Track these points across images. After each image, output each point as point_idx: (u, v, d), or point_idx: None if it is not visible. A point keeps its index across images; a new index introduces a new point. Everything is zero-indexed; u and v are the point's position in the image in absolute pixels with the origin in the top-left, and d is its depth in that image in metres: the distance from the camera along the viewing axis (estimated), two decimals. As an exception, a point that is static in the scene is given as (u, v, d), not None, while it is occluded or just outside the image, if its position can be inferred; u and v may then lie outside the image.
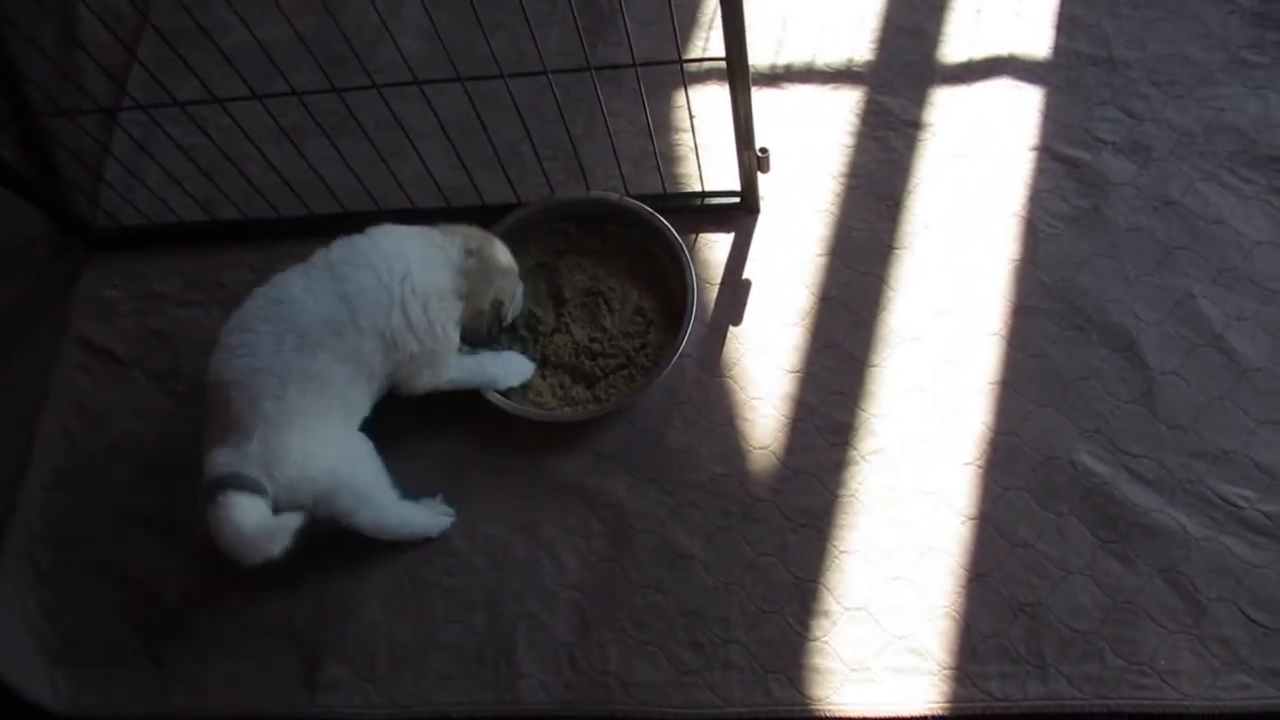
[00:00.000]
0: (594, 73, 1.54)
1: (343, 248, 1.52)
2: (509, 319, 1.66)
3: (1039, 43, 1.89)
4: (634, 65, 1.51)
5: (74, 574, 1.68)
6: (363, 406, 1.54)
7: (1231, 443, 1.51)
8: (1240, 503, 1.47)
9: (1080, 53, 1.86)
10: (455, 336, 1.56)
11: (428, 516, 1.60)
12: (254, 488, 1.38)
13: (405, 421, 1.69)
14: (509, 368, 1.65)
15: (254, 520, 1.36)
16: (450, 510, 1.62)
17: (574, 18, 1.46)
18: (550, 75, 1.55)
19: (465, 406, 1.65)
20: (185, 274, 1.91)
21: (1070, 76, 1.84)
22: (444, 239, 1.55)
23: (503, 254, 1.61)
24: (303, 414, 1.43)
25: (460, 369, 1.60)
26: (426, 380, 1.57)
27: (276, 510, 1.40)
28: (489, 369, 1.62)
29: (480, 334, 1.61)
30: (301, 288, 1.48)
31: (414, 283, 1.49)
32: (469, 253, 1.54)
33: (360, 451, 1.53)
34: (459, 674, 1.52)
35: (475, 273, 1.54)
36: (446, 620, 1.56)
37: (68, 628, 1.64)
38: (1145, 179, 1.73)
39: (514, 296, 1.65)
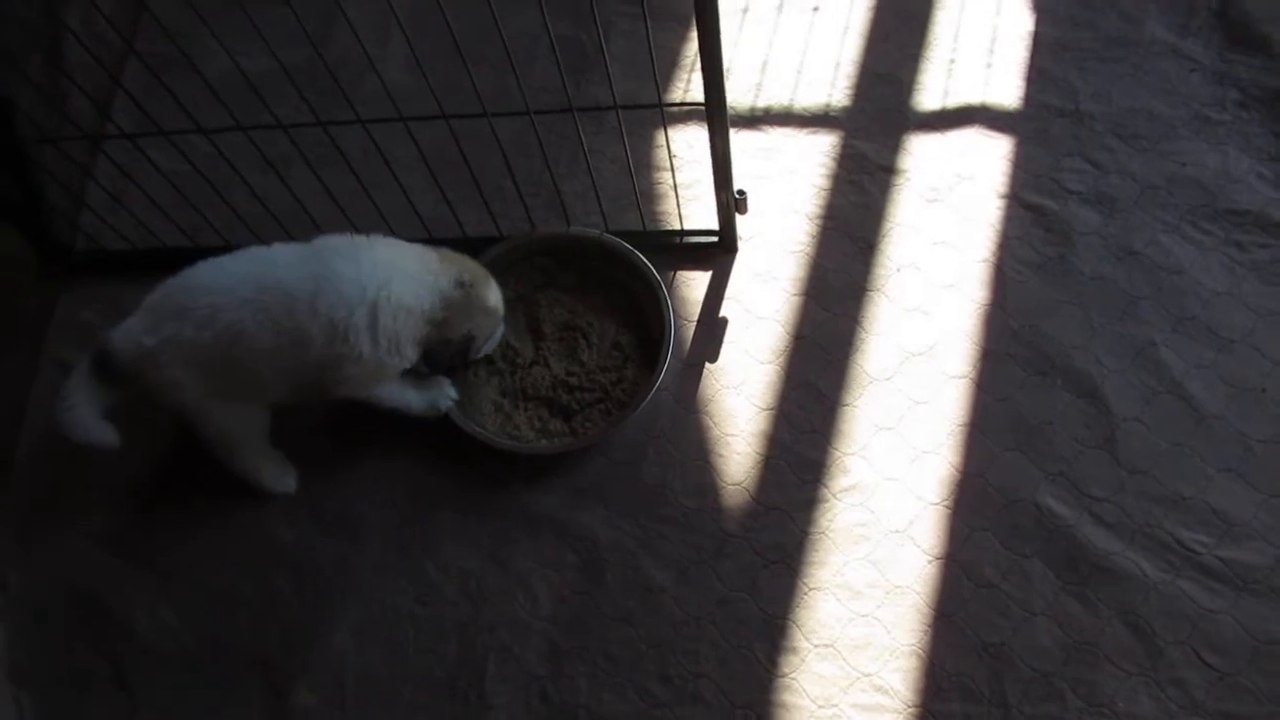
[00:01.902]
0: (576, 113, 1.57)
1: (342, 239, 1.56)
2: (476, 356, 1.67)
3: (1009, 93, 1.95)
4: (615, 108, 1.55)
5: (43, 597, 1.67)
6: (276, 389, 1.56)
7: (1190, 488, 1.55)
8: (1197, 548, 1.51)
9: (1049, 104, 1.92)
10: (412, 356, 1.57)
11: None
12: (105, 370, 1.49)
13: (379, 450, 1.71)
14: (427, 396, 1.64)
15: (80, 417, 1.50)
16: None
17: (556, 59, 1.50)
18: (534, 115, 1.58)
19: (441, 437, 1.67)
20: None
21: (1039, 127, 1.90)
22: (440, 265, 1.56)
23: (494, 295, 1.62)
24: (210, 359, 1.48)
25: (388, 390, 1.61)
26: (355, 388, 1.58)
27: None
28: (409, 394, 1.63)
29: (442, 363, 1.62)
30: (285, 256, 1.53)
31: (392, 292, 1.50)
32: (460, 284, 1.56)
33: (244, 419, 1.59)
34: (429, 704, 1.52)
35: (458, 304, 1.55)
36: (417, 650, 1.56)
37: (35, 651, 1.63)
38: (1110, 229, 1.78)
39: (489, 336, 1.66)
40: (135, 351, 1.49)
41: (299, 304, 1.47)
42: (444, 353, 1.59)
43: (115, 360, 1.51)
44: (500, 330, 1.68)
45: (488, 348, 1.68)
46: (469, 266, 1.60)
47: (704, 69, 1.45)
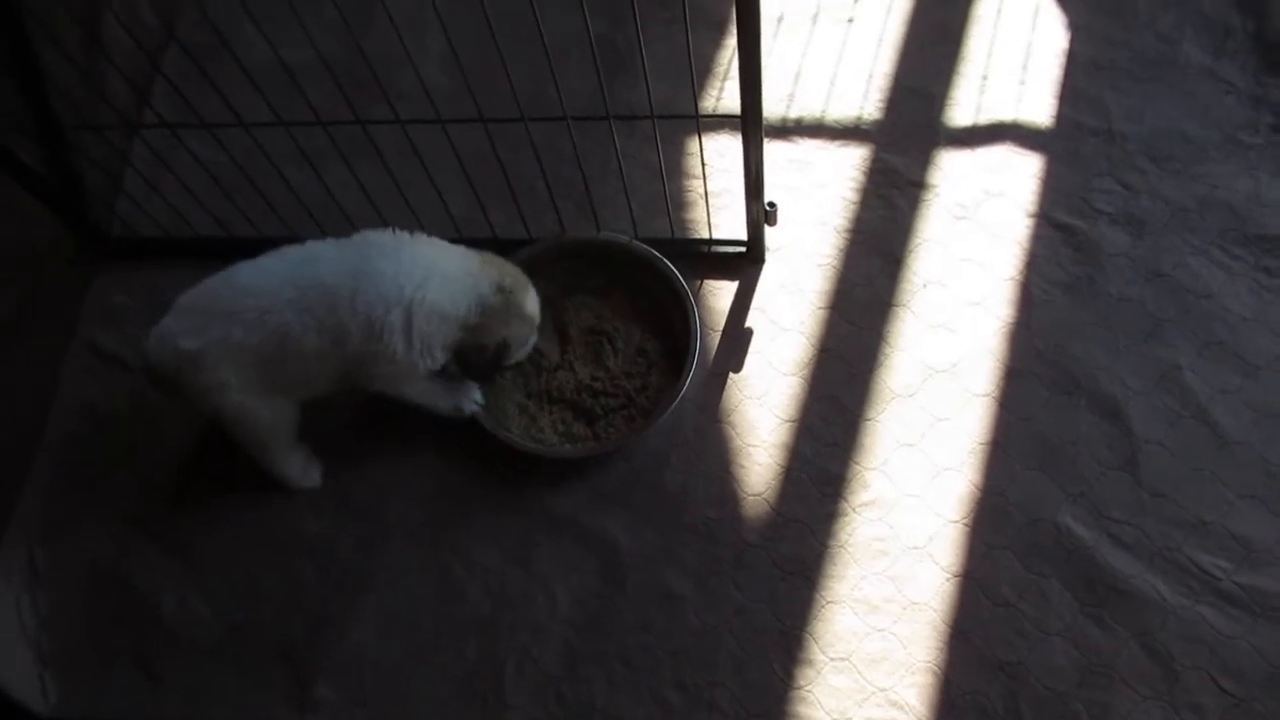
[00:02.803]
0: (612, 121, 1.58)
1: (384, 235, 1.56)
2: (509, 362, 1.68)
3: (1041, 111, 1.95)
4: (652, 117, 1.56)
5: (71, 578, 1.70)
6: (316, 384, 1.58)
7: (1211, 513, 1.56)
8: (1217, 573, 1.51)
9: (1081, 123, 1.92)
10: (441, 359, 1.58)
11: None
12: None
13: (406, 446, 1.73)
14: (453, 398, 1.66)
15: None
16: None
17: (596, 64, 1.51)
18: (570, 121, 1.59)
19: (467, 437, 1.69)
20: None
21: (1070, 146, 1.90)
22: (480, 268, 1.57)
23: (532, 302, 1.63)
24: (257, 360, 1.50)
25: (416, 389, 1.62)
26: (387, 385, 1.60)
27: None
28: (437, 393, 1.65)
29: (475, 368, 1.64)
30: (326, 253, 1.54)
31: (428, 294, 1.51)
32: (500, 289, 1.56)
33: (278, 415, 1.60)
34: (447, 700, 1.54)
35: (496, 310, 1.56)
36: (437, 647, 1.58)
37: (61, 631, 1.66)
38: (1139, 251, 1.79)
39: (524, 344, 1.67)
40: (174, 355, 1.50)
41: (340, 300, 1.48)
42: (479, 358, 1.61)
43: (151, 364, 1.52)
44: (534, 338, 1.69)
45: (521, 354, 1.69)
46: (509, 271, 1.60)
47: (742, 86, 1.46)
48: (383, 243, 1.54)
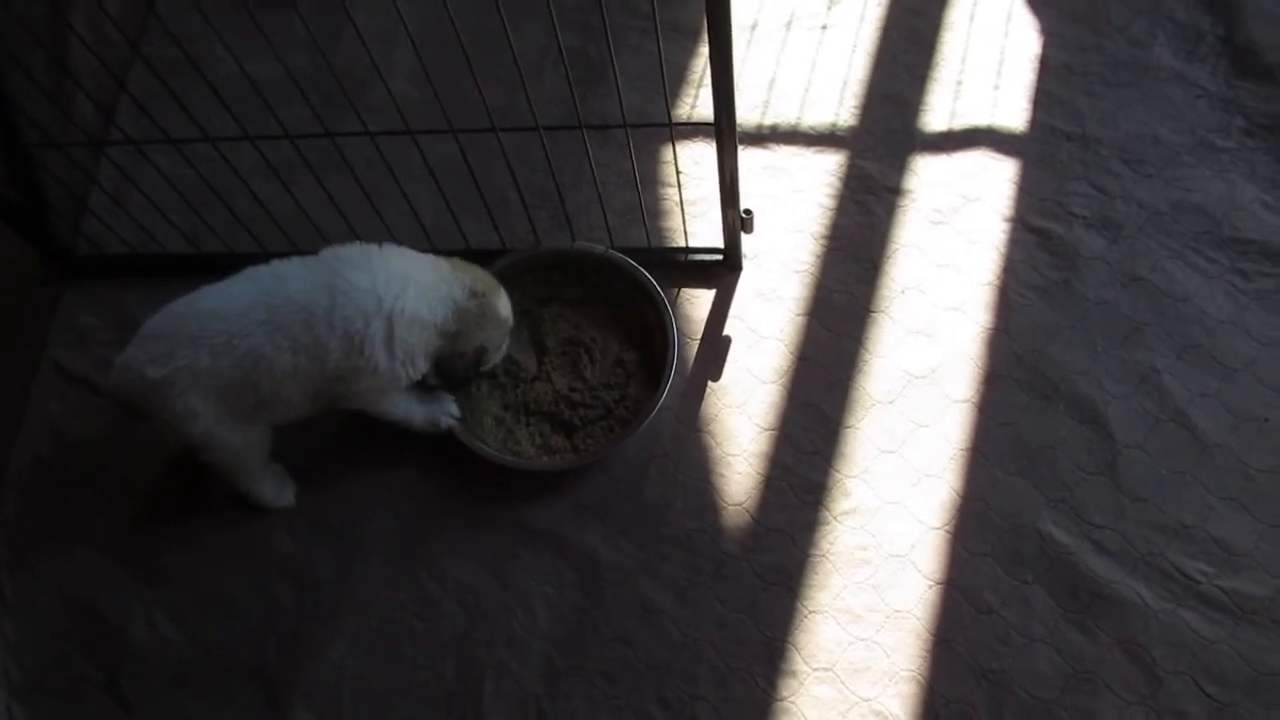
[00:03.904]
0: (584, 130, 1.57)
1: (352, 249, 1.54)
2: (487, 367, 1.67)
3: (1016, 116, 1.95)
4: (625, 126, 1.55)
5: (40, 604, 1.66)
6: (290, 407, 1.54)
7: (1191, 517, 1.55)
8: (1198, 577, 1.51)
9: (1055, 128, 1.92)
10: (423, 368, 1.56)
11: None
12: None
13: (381, 461, 1.70)
14: (429, 412, 1.64)
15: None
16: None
17: (566, 73, 1.49)
18: (542, 130, 1.58)
19: (444, 451, 1.66)
20: (166, 303, 1.89)
21: (1045, 150, 1.90)
22: (453, 274, 1.55)
23: (504, 305, 1.61)
24: (228, 387, 1.47)
25: (393, 404, 1.60)
26: (367, 401, 1.57)
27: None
28: (414, 408, 1.63)
29: (455, 375, 1.62)
30: (293, 271, 1.51)
31: (406, 303, 1.49)
32: (473, 294, 1.55)
33: (249, 440, 1.57)
34: (425, 720, 1.52)
35: (471, 315, 1.55)
36: (415, 665, 1.56)
37: (30, 659, 1.62)
38: (1115, 254, 1.79)
39: (499, 348, 1.66)
40: (140, 383, 1.47)
41: (316, 317, 1.46)
42: (457, 365, 1.59)
43: (115, 394, 1.50)
44: (507, 341, 1.68)
45: (496, 358, 1.67)
46: (480, 276, 1.59)
47: (715, 93, 1.45)
48: (352, 256, 1.52)
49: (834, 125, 1.97)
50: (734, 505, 1.63)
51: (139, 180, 1.81)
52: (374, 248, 1.54)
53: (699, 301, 1.81)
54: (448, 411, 1.64)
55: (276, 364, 1.47)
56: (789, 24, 2.10)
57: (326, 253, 1.54)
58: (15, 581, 1.68)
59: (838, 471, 1.64)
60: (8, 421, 1.82)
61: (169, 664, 1.59)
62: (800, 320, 1.78)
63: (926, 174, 1.90)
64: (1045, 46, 2.02)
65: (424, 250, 1.77)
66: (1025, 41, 2.03)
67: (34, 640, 1.63)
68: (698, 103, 2.02)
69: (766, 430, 1.68)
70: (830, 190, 1.90)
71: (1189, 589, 1.50)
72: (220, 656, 1.59)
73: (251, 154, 1.68)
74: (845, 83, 2.02)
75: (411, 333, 1.50)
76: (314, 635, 1.59)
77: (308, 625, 1.60)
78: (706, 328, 1.78)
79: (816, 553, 1.58)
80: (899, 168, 1.91)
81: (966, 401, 1.68)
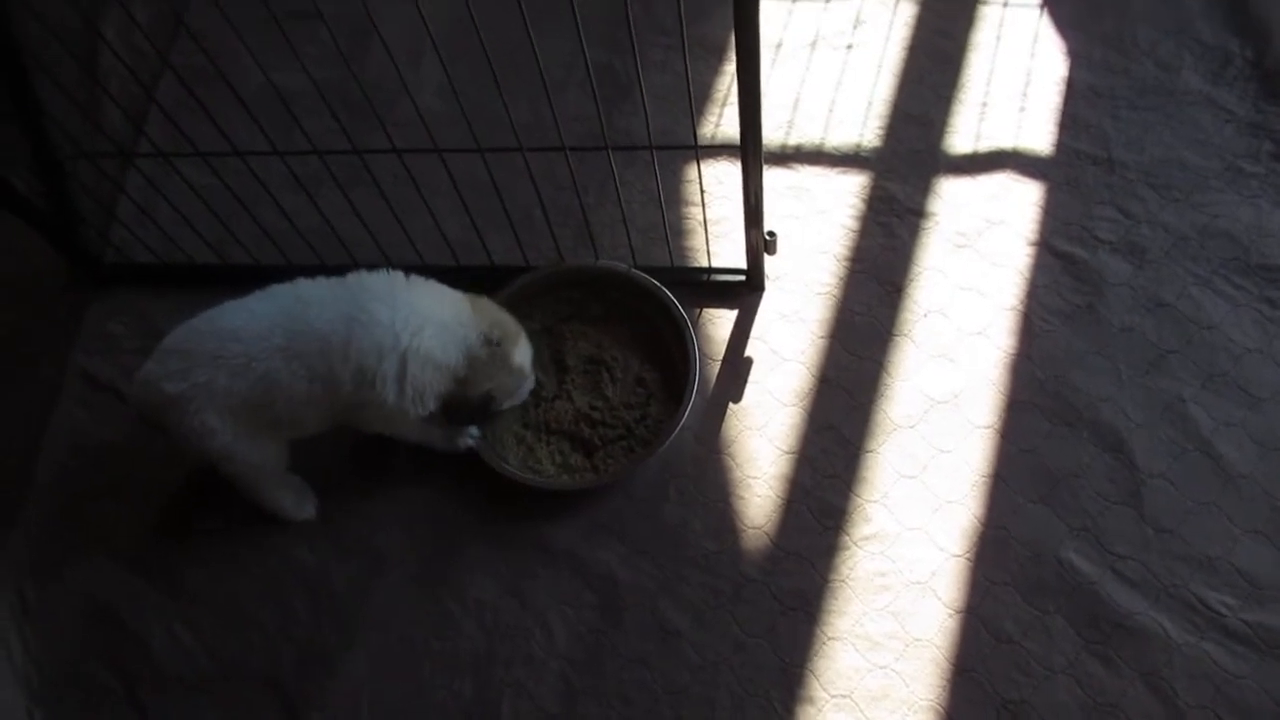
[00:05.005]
0: (610, 151, 1.57)
1: (378, 278, 1.53)
2: (498, 409, 1.65)
3: (1041, 139, 1.94)
4: (650, 148, 1.55)
5: (61, 612, 1.67)
6: (305, 426, 1.55)
7: (1216, 549, 1.54)
8: (1222, 610, 1.49)
9: (1081, 151, 1.91)
10: (431, 407, 1.55)
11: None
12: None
13: (401, 477, 1.71)
14: (448, 433, 1.65)
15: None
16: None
17: (594, 92, 1.49)
18: (568, 151, 1.58)
19: (464, 468, 1.67)
20: (191, 313, 1.91)
21: (1070, 174, 1.89)
22: (472, 317, 1.54)
23: (520, 355, 1.59)
24: (244, 405, 1.47)
25: (410, 428, 1.61)
26: (383, 427, 1.59)
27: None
28: (432, 430, 1.63)
29: (460, 416, 1.61)
30: (317, 295, 1.51)
31: (423, 342, 1.49)
32: (488, 342, 1.54)
33: (267, 455, 1.58)
34: (442, 738, 1.52)
35: (482, 363, 1.54)
36: (433, 683, 1.56)
37: (50, 666, 1.63)
38: (1140, 280, 1.77)
39: (512, 394, 1.63)
40: (158, 399, 1.47)
41: (333, 348, 1.46)
42: (463, 408, 1.58)
43: (135, 406, 1.51)
44: (528, 385, 1.66)
45: (512, 402, 1.66)
46: (501, 320, 1.58)
47: (741, 115, 1.45)
48: (376, 286, 1.51)
49: (858, 146, 1.97)
50: (753, 528, 1.62)
51: (167, 191, 1.83)
52: (400, 278, 1.53)
53: (721, 322, 1.81)
54: (468, 433, 1.65)
55: (292, 390, 1.47)
56: (814, 44, 2.10)
57: (352, 278, 1.53)
58: (37, 588, 1.69)
59: (858, 496, 1.63)
60: (34, 427, 1.83)
61: (187, 674, 1.60)
62: (822, 342, 1.77)
63: (950, 196, 1.89)
64: (1071, 69, 2.01)
65: (449, 267, 1.79)
66: (1051, 63, 2.02)
67: (55, 647, 1.64)
68: (722, 121, 2.02)
69: (787, 453, 1.68)
70: (854, 211, 1.90)
71: (1213, 622, 1.49)
72: (238, 668, 1.60)
73: (279, 167, 1.69)
74: (870, 103, 2.02)
75: (424, 372, 1.49)
76: (331, 649, 1.59)
77: (325, 639, 1.60)
78: (728, 348, 1.78)
79: (836, 578, 1.57)
80: (923, 189, 1.91)
81: (988, 427, 1.67)
